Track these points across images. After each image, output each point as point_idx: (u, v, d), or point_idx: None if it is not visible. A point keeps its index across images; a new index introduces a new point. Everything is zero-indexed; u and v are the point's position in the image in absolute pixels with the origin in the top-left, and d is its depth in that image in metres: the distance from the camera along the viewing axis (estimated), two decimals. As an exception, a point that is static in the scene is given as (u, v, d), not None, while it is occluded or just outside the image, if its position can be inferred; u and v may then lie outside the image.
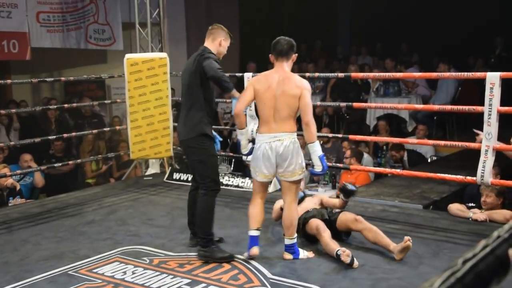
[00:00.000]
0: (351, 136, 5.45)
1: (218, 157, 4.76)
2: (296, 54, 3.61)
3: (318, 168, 3.45)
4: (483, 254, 0.83)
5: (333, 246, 3.58)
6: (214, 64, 3.60)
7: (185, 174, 6.00)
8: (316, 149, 3.42)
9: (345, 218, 3.88)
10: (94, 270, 3.54)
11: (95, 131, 6.74)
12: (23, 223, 4.63)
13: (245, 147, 3.70)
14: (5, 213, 4.94)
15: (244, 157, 3.97)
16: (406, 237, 3.52)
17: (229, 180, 5.76)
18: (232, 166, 6.83)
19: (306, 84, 3.48)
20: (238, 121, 3.62)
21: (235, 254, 3.69)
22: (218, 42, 3.78)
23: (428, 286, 0.77)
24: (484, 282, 0.81)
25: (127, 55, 6.08)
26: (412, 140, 6.59)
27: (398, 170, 5.30)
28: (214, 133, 3.81)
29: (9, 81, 5.97)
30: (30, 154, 6.44)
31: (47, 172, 6.85)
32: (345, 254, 3.43)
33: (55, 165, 6.15)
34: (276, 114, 3.45)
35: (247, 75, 5.45)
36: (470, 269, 0.80)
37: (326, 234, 3.68)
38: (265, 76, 3.56)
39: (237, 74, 6.16)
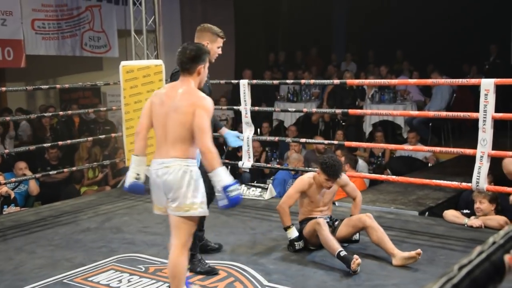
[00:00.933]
0: (346, 143, 5.45)
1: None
2: (203, 66, 2.90)
3: (222, 202, 2.73)
4: (479, 260, 0.83)
5: (335, 244, 3.53)
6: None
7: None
8: (219, 179, 2.71)
9: (351, 219, 3.86)
10: (90, 279, 3.52)
11: (90, 138, 6.72)
12: (18, 232, 4.60)
13: (129, 180, 2.97)
14: (0, 222, 4.91)
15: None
16: (420, 250, 3.51)
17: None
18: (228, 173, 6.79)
19: (204, 102, 2.79)
20: (137, 143, 2.95)
21: (231, 262, 3.67)
22: None
23: (424, 293, 0.77)
24: (479, 288, 0.81)
25: (123, 62, 6.07)
26: (407, 146, 6.62)
27: (393, 177, 5.30)
28: (228, 131, 3.39)
29: (3, 88, 5.98)
30: (24, 162, 6.42)
31: (42, 180, 6.82)
32: (357, 263, 3.38)
33: (50, 172, 6.13)
34: (168, 135, 2.81)
35: (243, 82, 5.45)
36: (466, 275, 0.80)
37: (326, 229, 3.63)
38: (165, 89, 2.97)
39: (232, 81, 6.17)
